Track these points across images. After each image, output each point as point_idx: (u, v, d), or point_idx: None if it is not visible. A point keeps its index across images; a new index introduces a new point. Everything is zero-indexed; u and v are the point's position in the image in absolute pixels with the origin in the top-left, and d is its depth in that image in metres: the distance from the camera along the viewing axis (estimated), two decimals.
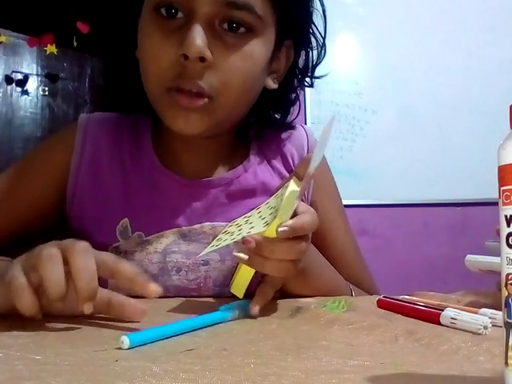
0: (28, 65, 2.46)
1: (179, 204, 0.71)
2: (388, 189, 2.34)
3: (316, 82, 0.78)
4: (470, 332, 0.46)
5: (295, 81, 0.76)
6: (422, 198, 2.36)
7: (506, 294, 0.30)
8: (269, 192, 0.70)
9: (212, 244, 0.55)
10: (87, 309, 0.45)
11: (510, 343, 0.29)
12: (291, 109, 0.78)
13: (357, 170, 2.31)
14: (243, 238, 0.51)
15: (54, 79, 2.52)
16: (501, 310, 0.30)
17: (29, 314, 0.45)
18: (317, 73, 0.77)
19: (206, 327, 0.48)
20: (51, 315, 0.48)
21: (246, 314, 0.53)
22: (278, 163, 0.77)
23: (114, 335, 0.43)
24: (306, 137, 0.79)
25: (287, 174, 0.74)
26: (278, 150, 0.78)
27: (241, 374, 0.34)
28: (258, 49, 0.65)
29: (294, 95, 0.77)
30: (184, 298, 0.64)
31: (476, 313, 0.51)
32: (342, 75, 2.32)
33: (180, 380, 0.33)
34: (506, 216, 0.30)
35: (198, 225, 0.70)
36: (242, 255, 0.52)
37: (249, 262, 0.53)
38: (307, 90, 2.12)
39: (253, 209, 0.59)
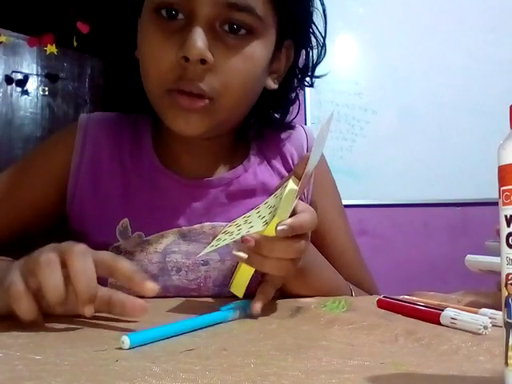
0: (28, 65, 2.46)
1: (179, 204, 0.71)
2: (388, 189, 2.34)
3: (316, 81, 0.78)
4: (470, 332, 0.46)
5: (295, 80, 0.76)
6: (422, 197, 2.36)
7: (506, 293, 0.30)
8: (268, 192, 0.70)
9: (211, 244, 0.55)
10: (88, 311, 0.45)
11: (510, 343, 0.29)
12: (291, 108, 0.78)
13: (357, 170, 2.31)
14: (242, 237, 0.51)
15: (54, 79, 2.52)
16: (501, 310, 0.30)
17: (28, 319, 0.45)
18: (317, 72, 0.77)
19: (206, 327, 0.48)
20: (51, 315, 0.48)
21: (247, 314, 0.53)
22: (277, 163, 0.77)
23: (114, 335, 0.43)
24: (305, 137, 0.80)
25: (287, 174, 0.74)
26: (278, 150, 0.78)
27: (241, 374, 0.34)
28: (259, 50, 0.65)
29: (293, 94, 0.77)
30: (184, 298, 0.64)
31: (476, 313, 0.51)
32: (342, 75, 2.32)
33: (180, 380, 0.33)
34: (505, 216, 0.30)
35: (198, 225, 0.70)
36: (241, 254, 0.52)
37: (248, 261, 0.53)
38: (307, 90, 2.12)
39: (252, 209, 0.59)
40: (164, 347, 0.41)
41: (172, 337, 0.44)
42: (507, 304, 0.30)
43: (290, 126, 0.79)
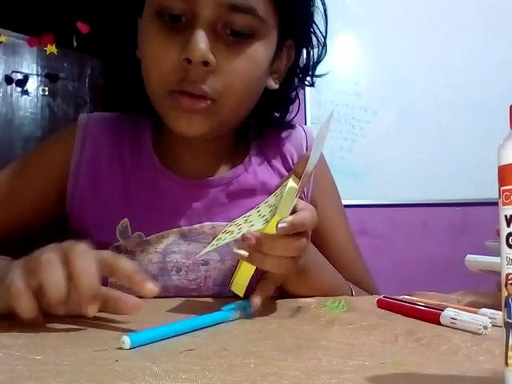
0: (28, 65, 2.47)
1: (179, 204, 0.71)
2: (388, 189, 2.34)
3: (316, 81, 0.78)
4: (470, 332, 0.46)
5: (296, 80, 0.76)
6: (422, 198, 2.36)
7: (506, 293, 0.30)
8: (268, 191, 0.70)
9: (212, 243, 0.55)
10: (91, 311, 0.44)
11: (510, 343, 0.29)
12: (291, 107, 0.78)
13: (357, 170, 2.31)
14: (243, 235, 0.51)
15: (54, 79, 2.52)
16: (501, 310, 0.30)
17: (28, 317, 0.44)
18: (317, 72, 0.77)
19: (206, 327, 0.48)
20: (52, 315, 0.48)
21: (247, 315, 0.53)
22: (277, 163, 0.77)
23: (114, 335, 0.43)
24: (304, 136, 0.80)
25: (286, 174, 0.74)
26: (278, 149, 0.78)
27: (241, 374, 0.34)
28: (261, 51, 0.65)
29: (293, 94, 0.78)
30: (184, 298, 0.64)
31: (476, 313, 0.51)
32: (342, 75, 2.32)
33: (180, 380, 0.33)
34: (505, 216, 0.30)
35: (198, 225, 0.70)
36: (242, 252, 0.52)
37: (249, 259, 0.53)
38: (307, 90, 2.12)
39: (252, 208, 0.59)
40: (164, 347, 0.41)
41: (172, 337, 0.44)
42: (507, 304, 0.30)
43: (290, 126, 0.79)
